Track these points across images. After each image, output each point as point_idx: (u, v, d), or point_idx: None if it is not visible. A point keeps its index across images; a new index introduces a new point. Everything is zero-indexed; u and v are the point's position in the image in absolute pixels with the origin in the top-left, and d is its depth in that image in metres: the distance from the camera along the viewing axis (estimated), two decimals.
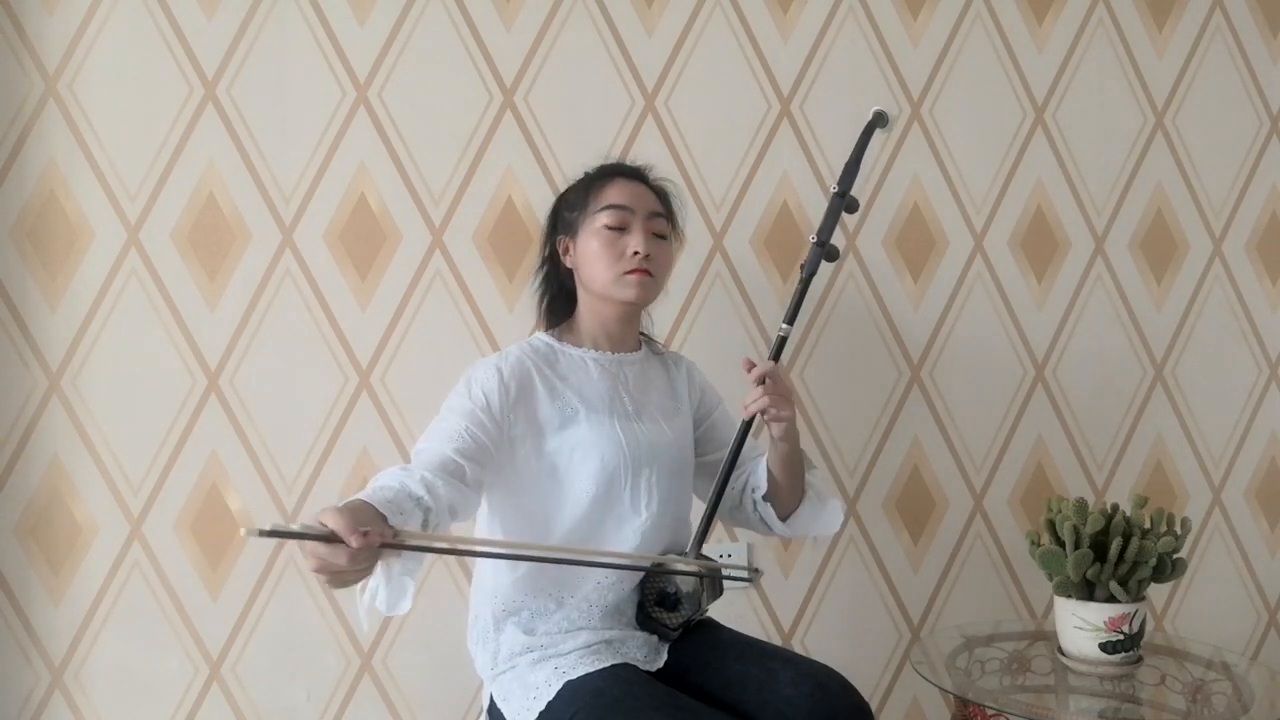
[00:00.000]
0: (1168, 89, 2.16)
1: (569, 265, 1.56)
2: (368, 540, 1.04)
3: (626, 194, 1.50)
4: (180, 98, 1.88)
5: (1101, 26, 2.13)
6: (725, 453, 1.54)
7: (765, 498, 1.55)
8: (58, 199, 1.86)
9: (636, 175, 1.56)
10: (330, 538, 1.03)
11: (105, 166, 1.86)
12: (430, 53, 1.93)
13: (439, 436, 1.36)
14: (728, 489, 1.58)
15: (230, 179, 1.89)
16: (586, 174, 1.58)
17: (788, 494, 1.53)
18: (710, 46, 2.00)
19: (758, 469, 1.56)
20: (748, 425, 1.49)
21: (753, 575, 1.44)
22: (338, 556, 1.03)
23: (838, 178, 1.55)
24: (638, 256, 1.47)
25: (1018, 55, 2.10)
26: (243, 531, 0.97)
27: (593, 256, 1.49)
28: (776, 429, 1.46)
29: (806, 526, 1.57)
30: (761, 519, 1.58)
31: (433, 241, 1.94)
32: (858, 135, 1.57)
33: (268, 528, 0.98)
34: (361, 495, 1.17)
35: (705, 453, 1.63)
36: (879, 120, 1.59)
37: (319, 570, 1.04)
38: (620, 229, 1.48)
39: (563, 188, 2.02)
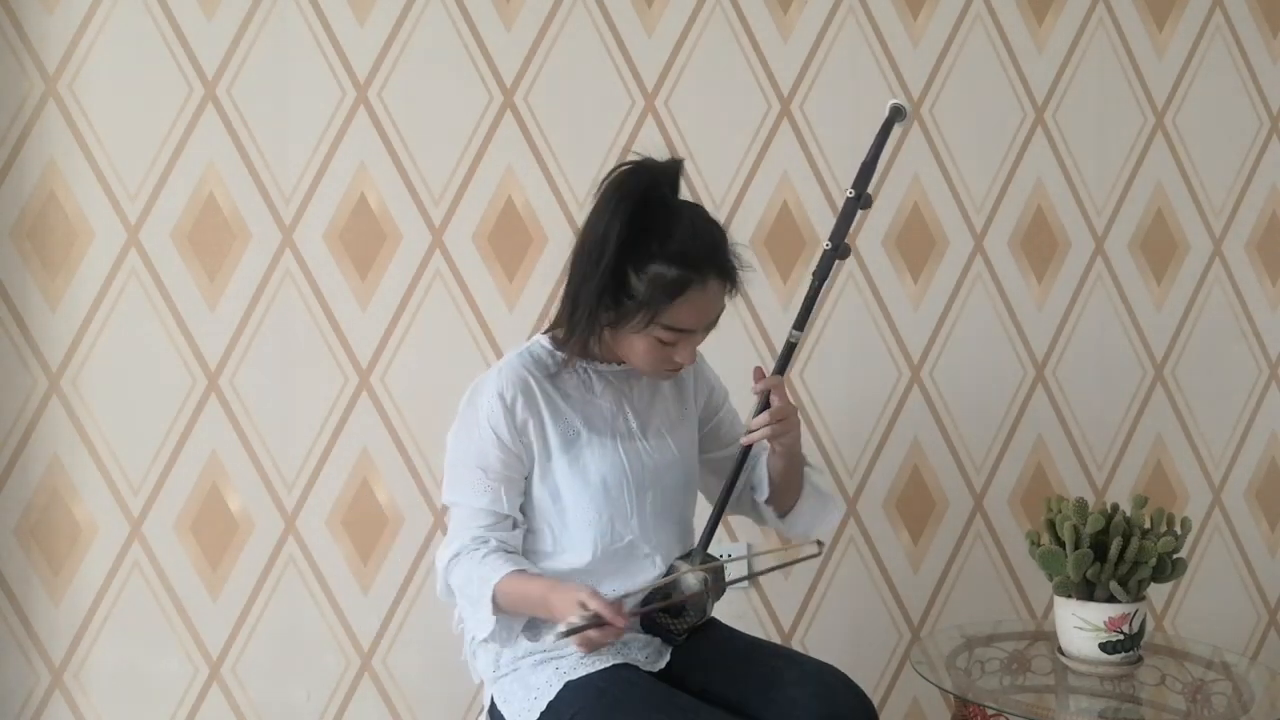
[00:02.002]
0: (1168, 89, 2.16)
1: (601, 320, 1.35)
2: (629, 620, 1.27)
3: (696, 313, 1.34)
4: (180, 98, 1.88)
5: (1101, 26, 2.13)
6: (731, 450, 1.52)
7: (767, 501, 1.53)
8: (58, 199, 1.85)
9: (717, 272, 1.35)
10: (598, 621, 1.23)
11: (105, 166, 1.86)
12: (430, 53, 1.93)
13: (466, 492, 1.40)
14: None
15: (230, 179, 1.89)
16: (651, 250, 1.31)
17: (784, 494, 1.52)
18: (710, 46, 2.00)
19: (759, 469, 1.54)
20: (747, 451, 1.46)
21: (818, 550, 1.43)
22: (608, 636, 1.24)
23: (853, 179, 1.47)
24: (680, 365, 1.40)
25: (1018, 55, 2.10)
26: (552, 638, 1.30)
27: (635, 355, 1.38)
28: (779, 448, 1.45)
29: (805, 526, 1.55)
30: (760, 516, 1.57)
31: (433, 241, 1.94)
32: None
33: (564, 629, 1.23)
34: (509, 567, 1.34)
35: (712, 449, 1.57)
36: (897, 115, 1.50)
37: (590, 648, 1.27)
38: (674, 343, 1.37)
39: (563, 188, 2.01)
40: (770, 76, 2.02)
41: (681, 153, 1.99)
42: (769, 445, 1.46)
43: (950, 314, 2.10)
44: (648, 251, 1.31)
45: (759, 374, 1.43)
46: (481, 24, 1.94)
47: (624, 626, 1.24)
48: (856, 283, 2.06)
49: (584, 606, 1.22)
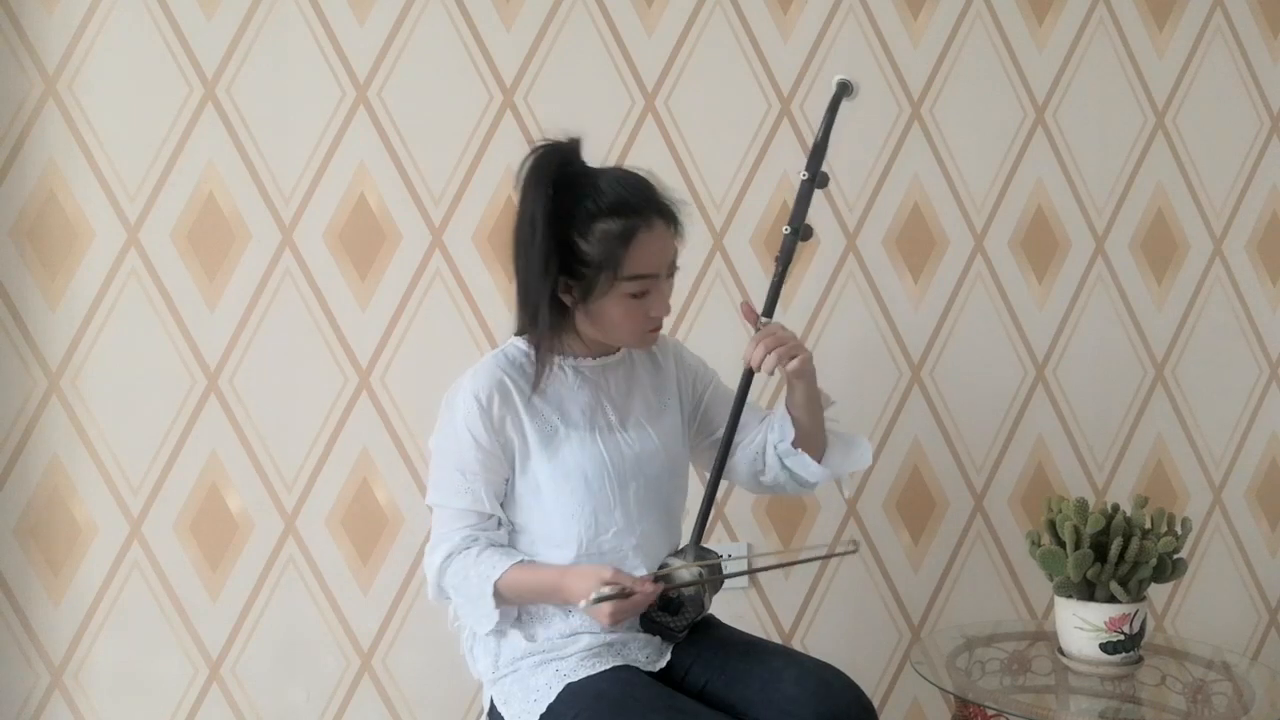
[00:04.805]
0: (1168, 89, 2.16)
1: (568, 303, 1.39)
2: (656, 587, 1.34)
3: (653, 255, 1.36)
4: (180, 98, 1.88)
5: (1101, 26, 2.13)
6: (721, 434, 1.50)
7: (794, 444, 1.47)
8: (58, 199, 1.85)
9: (658, 213, 1.37)
10: (628, 592, 1.30)
11: (105, 166, 1.86)
12: (430, 53, 1.93)
13: (449, 495, 1.42)
14: (744, 463, 1.53)
15: (230, 179, 1.89)
16: (590, 210, 1.34)
17: (815, 435, 1.47)
18: (710, 46, 2.00)
19: (775, 422, 1.50)
20: (749, 375, 1.44)
21: (856, 548, 1.43)
22: (639, 605, 1.33)
23: (805, 161, 1.50)
24: (657, 318, 1.42)
25: (1018, 55, 2.10)
26: (582, 605, 1.29)
27: (612, 324, 1.39)
28: (792, 367, 1.41)
29: (841, 464, 1.50)
30: (792, 474, 1.50)
31: (432, 241, 1.94)
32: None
33: (594, 597, 1.28)
34: (513, 558, 1.39)
35: (707, 434, 1.56)
36: (844, 90, 1.51)
37: (614, 621, 1.31)
38: (644, 294, 1.38)
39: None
40: (770, 76, 2.02)
41: (681, 153, 1.99)
42: (785, 371, 1.42)
43: (950, 314, 2.10)
44: (586, 215, 1.34)
45: (747, 309, 1.46)
46: (481, 24, 1.94)
47: (654, 593, 1.32)
48: (856, 283, 2.06)
49: (607, 583, 1.29)
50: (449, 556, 1.40)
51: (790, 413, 1.48)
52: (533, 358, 1.42)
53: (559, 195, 1.34)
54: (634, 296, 1.37)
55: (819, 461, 1.48)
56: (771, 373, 1.43)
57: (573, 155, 1.39)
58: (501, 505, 1.44)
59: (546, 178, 1.34)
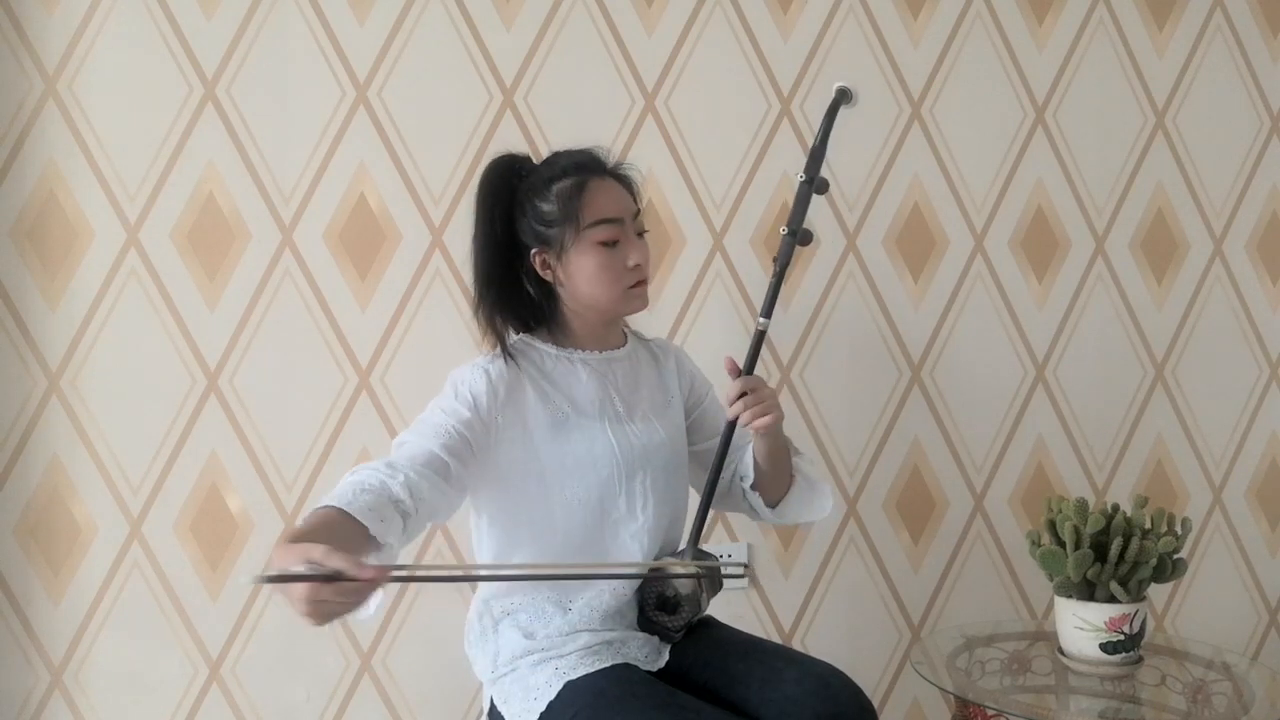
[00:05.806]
0: (1168, 89, 2.16)
1: (549, 279, 1.45)
2: (379, 574, 0.98)
3: (610, 200, 1.42)
4: (180, 98, 1.88)
5: (1101, 26, 2.13)
6: (714, 441, 1.53)
7: (753, 486, 1.53)
8: (57, 199, 1.85)
9: (608, 171, 1.46)
10: (333, 576, 0.96)
11: (105, 166, 1.86)
12: (430, 53, 1.93)
13: (424, 431, 1.33)
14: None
15: (230, 179, 1.89)
16: (544, 177, 1.44)
17: (773, 483, 1.52)
18: (710, 46, 2.00)
19: (745, 456, 1.54)
20: (732, 425, 1.47)
21: (745, 572, 1.43)
22: (345, 595, 0.98)
23: (804, 164, 1.51)
24: (638, 268, 1.43)
25: (1018, 55, 2.10)
26: (246, 580, 0.95)
27: (591, 277, 1.41)
28: (758, 424, 1.44)
29: (796, 513, 1.56)
30: (750, 506, 1.57)
31: (432, 241, 1.94)
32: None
33: (270, 573, 0.95)
34: (337, 501, 1.16)
35: (695, 441, 1.59)
36: (843, 97, 1.53)
37: (312, 612, 0.97)
38: (614, 242, 1.42)
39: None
40: (770, 76, 2.02)
41: (681, 153, 1.99)
42: (752, 428, 1.45)
43: (950, 314, 2.10)
44: (542, 182, 1.44)
45: (731, 365, 1.46)
46: (481, 24, 1.94)
47: (373, 580, 0.98)
48: (856, 283, 2.06)
49: (315, 563, 0.97)
50: (357, 471, 1.24)
51: (754, 456, 1.52)
52: (540, 348, 1.47)
53: (518, 182, 1.46)
54: (605, 245, 1.41)
55: (774, 505, 1.55)
56: (746, 425, 1.44)
57: (525, 160, 1.49)
58: (465, 490, 1.36)
59: (499, 176, 1.46)
